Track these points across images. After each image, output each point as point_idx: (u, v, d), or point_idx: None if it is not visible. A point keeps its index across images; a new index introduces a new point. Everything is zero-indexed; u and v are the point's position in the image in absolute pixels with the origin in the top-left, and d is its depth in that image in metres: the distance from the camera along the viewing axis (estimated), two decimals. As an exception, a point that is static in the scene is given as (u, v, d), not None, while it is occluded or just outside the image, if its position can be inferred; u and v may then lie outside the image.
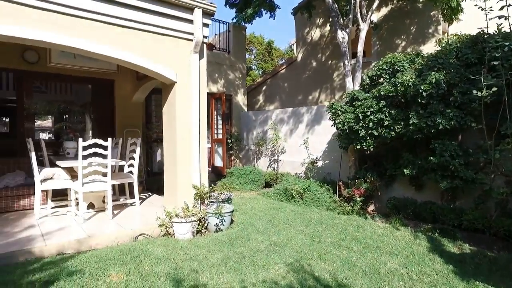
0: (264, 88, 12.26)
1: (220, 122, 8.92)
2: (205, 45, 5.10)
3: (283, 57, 21.45)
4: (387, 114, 5.25)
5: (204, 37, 4.97)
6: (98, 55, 4.18)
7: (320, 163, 7.64)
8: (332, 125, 6.53)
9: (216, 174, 8.93)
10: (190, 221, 4.39)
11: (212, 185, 5.34)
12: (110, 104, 7.13)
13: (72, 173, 5.18)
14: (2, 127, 15.80)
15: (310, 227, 4.92)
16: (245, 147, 9.86)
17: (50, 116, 16.47)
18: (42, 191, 4.99)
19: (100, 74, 6.89)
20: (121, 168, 6.08)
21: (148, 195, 6.64)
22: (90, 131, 10.31)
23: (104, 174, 4.85)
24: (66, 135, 5.61)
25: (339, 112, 6.02)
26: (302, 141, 8.01)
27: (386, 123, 5.24)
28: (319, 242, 4.24)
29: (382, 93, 5.28)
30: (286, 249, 4.01)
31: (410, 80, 4.73)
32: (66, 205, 5.42)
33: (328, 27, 10.35)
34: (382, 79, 5.81)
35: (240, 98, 10.19)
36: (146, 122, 8.01)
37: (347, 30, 7.02)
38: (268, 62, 20.66)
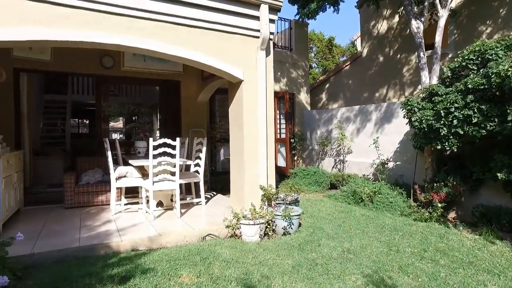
0: (327, 86, 11.84)
1: (283, 121, 8.74)
2: (271, 42, 4.96)
3: (344, 54, 20.65)
4: (475, 110, 4.63)
5: (271, 33, 4.83)
6: (168, 55, 4.24)
7: (390, 165, 7.09)
8: (406, 123, 5.99)
9: (279, 175, 8.76)
10: (258, 224, 4.26)
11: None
12: (176, 104, 7.33)
13: (143, 172, 5.38)
14: (83, 128, 17.33)
15: (385, 234, 4.51)
16: (308, 147, 9.56)
17: (121, 117, 17.77)
18: (117, 188, 5.23)
19: (167, 76, 7.11)
20: (187, 167, 6.20)
21: (212, 195, 6.69)
22: (158, 131, 10.82)
23: (173, 173, 4.93)
24: (137, 135, 5.85)
25: (416, 109, 5.48)
26: (370, 141, 7.51)
27: (474, 120, 4.62)
28: (397, 252, 3.85)
29: (469, 86, 4.67)
30: (361, 257, 3.69)
31: (510, 69, 4.09)
32: (138, 202, 5.65)
33: (396, 19, 9.63)
34: (467, 70, 5.16)
35: (303, 97, 9.91)
36: (210, 122, 8.11)
37: (422, 19, 6.40)
38: (329, 59, 20.03)
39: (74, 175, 5.66)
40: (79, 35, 3.68)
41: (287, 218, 4.44)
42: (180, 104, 7.27)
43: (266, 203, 4.74)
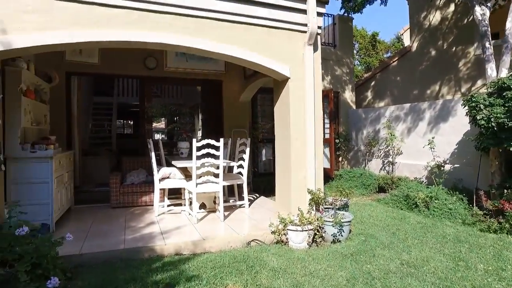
0: (372, 83, 11.25)
1: (327, 121, 8.37)
2: (319, 37, 4.67)
3: (389, 49, 19.68)
4: (557, 106, 4.04)
5: (318, 27, 4.54)
6: (213, 53, 4.11)
7: (447, 167, 6.49)
8: (469, 122, 5.42)
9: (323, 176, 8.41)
10: (307, 230, 4.00)
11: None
12: (218, 104, 7.24)
13: (186, 173, 5.30)
14: (127, 129, 17.96)
15: (448, 246, 4.05)
16: (354, 148, 9.10)
17: (163, 118, 18.21)
18: (160, 189, 5.19)
19: (209, 76, 7.03)
20: (230, 169, 6.06)
21: (255, 197, 6.51)
22: (199, 132, 10.85)
23: (216, 175, 4.80)
24: (179, 136, 5.80)
25: (482, 105, 4.92)
26: (422, 142, 6.94)
27: (556, 118, 4.03)
28: (467, 268, 3.40)
29: (549, 79, 4.09)
30: (424, 272, 3.30)
31: None
32: (180, 204, 5.59)
33: (451, 8, 8.88)
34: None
35: (348, 95, 9.46)
36: (251, 122, 7.94)
37: (487, 3, 5.76)
38: (372, 56, 19.18)
39: (120, 175, 5.72)
40: (125, 34, 3.64)
41: (338, 225, 4.12)
42: (222, 104, 7.17)
43: (314, 208, 4.46)
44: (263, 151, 8.36)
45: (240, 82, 7.08)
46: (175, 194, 5.81)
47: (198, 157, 4.55)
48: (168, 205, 5.56)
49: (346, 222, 4.21)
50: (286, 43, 4.44)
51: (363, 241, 4.22)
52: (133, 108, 14.58)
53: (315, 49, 4.61)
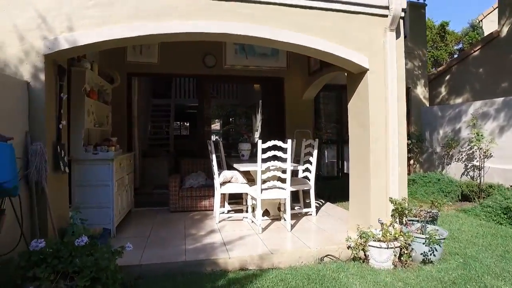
0: (447, 78, 10.06)
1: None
2: (401, 21, 4.00)
3: (461, 40, 17.82)
4: None
5: (403, 10, 3.88)
6: (280, 43, 3.66)
7: (555, 174, 5.39)
8: None
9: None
10: (392, 247, 3.37)
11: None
12: (279, 103, 6.79)
13: (248, 177, 4.91)
14: (183, 130, 18.28)
15: None
16: (428, 149, 8.12)
17: (217, 119, 18.26)
18: (221, 194, 4.86)
19: (269, 73, 6.61)
20: (294, 173, 5.57)
21: (320, 203, 5.95)
22: (257, 133, 10.52)
23: (282, 180, 4.34)
24: (241, 137, 5.44)
25: None
26: (522, 143, 5.87)
27: None
28: None
29: None
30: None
31: None
32: (242, 210, 5.22)
33: (551, -14, 7.54)
34: None
35: (420, 91, 8.49)
36: (314, 122, 7.37)
37: None
38: (441, 48, 17.50)
39: (178, 178, 5.51)
40: (187, 26, 3.32)
41: (431, 242, 3.44)
42: (283, 102, 6.71)
43: (397, 220, 3.80)
44: (326, 153, 7.76)
45: (303, 79, 6.57)
46: (235, 198, 5.45)
47: (263, 160, 4.13)
48: (229, 211, 5.23)
49: (441, 239, 3.50)
50: (364, 29, 3.85)
51: (463, 264, 3.48)
52: (190, 109, 14.77)
53: (397, 35, 3.95)
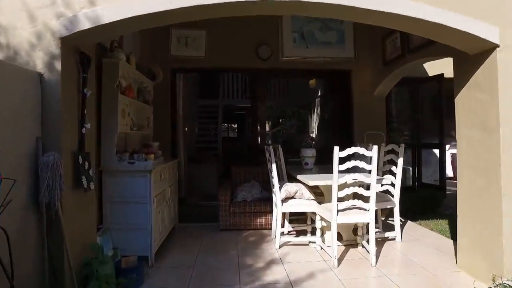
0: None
1: None
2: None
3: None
4: None
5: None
6: (366, 13, 2.63)
7: None
8: None
9: None
10: (555, 314, 2.22)
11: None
12: (345, 100, 5.72)
13: (315, 190, 3.94)
14: (231, 132, 17.69)
15: None
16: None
17: (266, 120, 17.41)
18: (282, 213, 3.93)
19: (334, 64, 5.57)
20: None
21: (400, 222, 4.78)
22: (313, 135, 9.48)
23: (362, 197, 3.30)
24: (305, 141, 4.48)
25: None
26: None
27: None
28: None
29: None
30: None
31: None
32: (305, 231, 4.25)
33: None
34: None
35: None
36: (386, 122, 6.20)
37: None
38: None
39: (229, 190, 4.68)
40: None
41: None
42: (351, 99, 5.63)
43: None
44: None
45: (375, 70, 5.44)
46: (297, 215, 4.49)
47: (340, 172, 3.14)
48: (289, 232, 4.30)
49: None
50: (489, -11, 2.71)
51: None
52: (238, 110, 14.10)
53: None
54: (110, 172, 3.20)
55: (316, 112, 9.00)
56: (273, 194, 4.11)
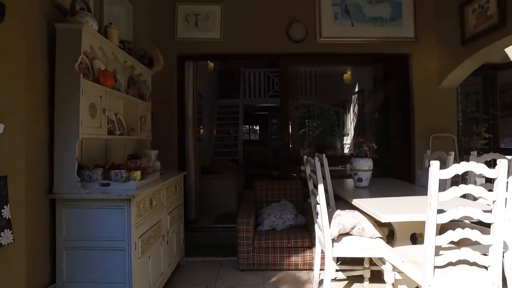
0: None
1: None
2: None
3: None
4: None
5: None
6: None
7: None
8: None
9: None
10: None
11: None
12: (401, 93, 4.39)
13: (376, 220, 2.66)
14: (252, 134, 16.46)
15: None
16: None
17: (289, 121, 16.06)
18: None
19: (387, 47, 4.26)
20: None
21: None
22: (349, 138, 8.15)
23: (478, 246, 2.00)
24: (359, 147, 3.19)
25: None
26: None
27: None
28: None
29: None
30: None
31: None
32: (361, 277, 2.98)
33: None
34: None
35: None
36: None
37: None
38: None
39: (253, 213, 3.46)
40: None
41: None
42: (409, 92, 4.30)
43: None
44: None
45: (445, 53, 4.10)
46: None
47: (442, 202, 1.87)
48: (339, 279, 3.04)
49: None
50: None
51: None
52: (260, 111, 12.93)
53: None
54: (67, 202, 2.04)
55: (353, 111, 7.67)
56: (315, 226, 2.87)
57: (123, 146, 3.08)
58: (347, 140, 8.34)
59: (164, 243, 2.70)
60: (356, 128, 7.56)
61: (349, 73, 7.81)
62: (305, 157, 2.90)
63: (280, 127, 4.21)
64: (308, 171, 2.85)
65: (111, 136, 2.60)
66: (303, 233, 3.25)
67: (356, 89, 7.45)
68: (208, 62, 9.20)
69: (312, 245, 3.17)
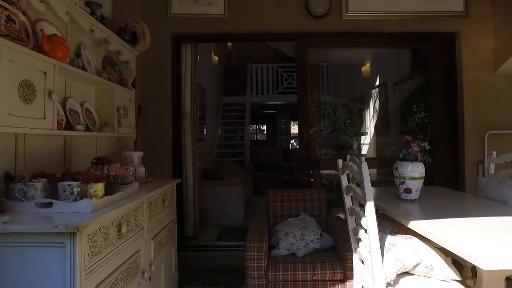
0: None
1: None
2: None
3: None
4: None
5: None
6: None
7: None
8: None
9: None
10: None
11: None
12: (445, 81, 3.58)
13: (435, 245, 1.86)
14: (259, 135, 15.66)
15: None
16: None
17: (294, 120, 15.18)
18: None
19: (428, 23, 3.46)
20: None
21: None
22: (365, 138, 7.34)
23: None
24: (403, 150, 2.39)
25: None
26: None
27: None
28: None
29: None
30: None
31: None
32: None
33: None
34: None
35: None
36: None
37: None
38: None
39: (265, 234, 2.66)
40: None
41: None
42: (456, 79, 3.48)
43: None
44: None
45: (505, 30, 3.28)
46: None
47: None
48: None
49: None
50: None
51: None
52: (266, 109, 12.19)
53: None
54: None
55: (374, 107, 6.85)
56: (354, 257, 2.08)
57: (95, 146, 2.33)
58: (365, 140, 7.52)
59: (144, 281, 1.93)
60: (376, 127, 6.74)
61: (367, 65, 7.02)
62: (339, 161, 2.11)
63: (299, 124, 3.41)
64: (344, 181, 2.06)
65: (68, 132, 1.84)
66: (333, 260, 2.46)
67: (377, 82, 6.65)
68: (212, 55, 8.53)
69: (345, 278, 2.39)
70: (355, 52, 6.27)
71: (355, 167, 1.80)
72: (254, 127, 14.99)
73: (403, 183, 2.36)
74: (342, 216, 3.30)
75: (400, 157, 2.42)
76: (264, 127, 15.18)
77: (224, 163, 5.94)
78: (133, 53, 2.65)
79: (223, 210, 4.21)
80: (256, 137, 15.18)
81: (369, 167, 1.74)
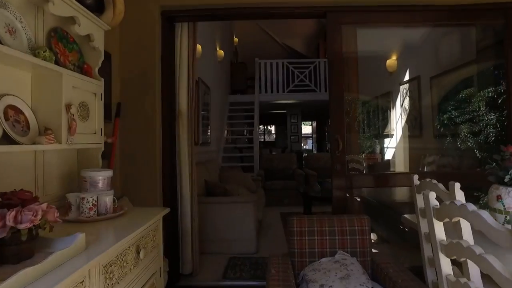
0: None
1: None
2: None
3: None
4: None
5: None
6: None
7: None
8: None
9: None
10: None
11: None
12: (498, 69, 2.70)
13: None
14: (266, 136, 14.82)
15: None
16: None
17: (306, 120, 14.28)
18: None
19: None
20: None
21: None
22: (388, 141, 6.45)
23: None
24: (500, 156, 1.55)
25: None
26: None
27: None
28: None
29: None
30: None
31: None
32: None
33: None
34: None
35: None
36: None
37: None
38: None
39: (287, 271, 1.82)
40: None
41: None
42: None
43: None
44: None
45: None
46: None
47: None
48: None
49: None
50: None
51: None
52: (277, 109, 11.36)
53: None
54: None
55: (403, 106, 5.97)
56: None
57: (33, 166, 1.52)
58: (389, 143, 6.64)
59: None
60: (405, 128, 5.87)
61: (393, 58, 6.15)
62: (415, 176, 1.26)
63: (331, 125, 2.56)
64: (436, 227, 1.21)
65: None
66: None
67: (407, 77, 5.78)
68: (217, 49, 7.71)
69: None
70: (380, 42, 5.45)
71: (464, 209, 0.95)
72: (261, 127, 14.15)
73: (510, 221, 1.52)
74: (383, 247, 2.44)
75: (506, 180, 1.56)
76: (273, 128, 14.34)
77: (230, 172, 5.09)
78: (99, 25, 1.82)
79: (230, 234, 3.37)
80: (264, 138, 14.35)
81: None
